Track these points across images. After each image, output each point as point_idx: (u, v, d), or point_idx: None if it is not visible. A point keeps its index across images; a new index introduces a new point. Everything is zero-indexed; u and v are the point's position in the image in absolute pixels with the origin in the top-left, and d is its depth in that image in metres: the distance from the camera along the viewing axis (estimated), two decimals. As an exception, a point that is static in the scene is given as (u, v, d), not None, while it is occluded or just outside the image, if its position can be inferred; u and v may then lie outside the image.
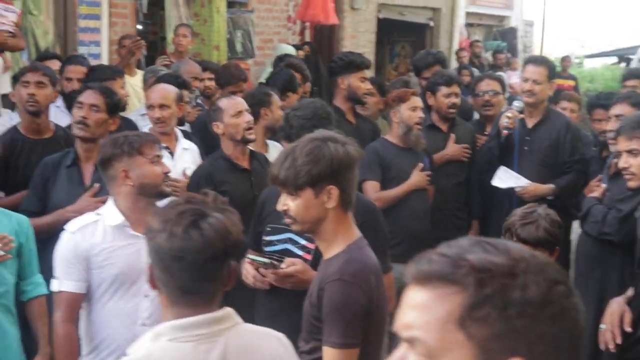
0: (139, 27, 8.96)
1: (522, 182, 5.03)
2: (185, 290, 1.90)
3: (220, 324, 1.93)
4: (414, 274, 1.15)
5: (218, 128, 4.21)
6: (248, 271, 3.19)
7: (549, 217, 3.13)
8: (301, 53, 9.05)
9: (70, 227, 3.06)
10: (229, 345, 1.93)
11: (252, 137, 4.22)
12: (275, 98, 4.88)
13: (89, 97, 4.02)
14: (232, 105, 4.25)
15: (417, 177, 4.84)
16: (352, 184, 2.64)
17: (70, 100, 5.38)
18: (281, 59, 6.79)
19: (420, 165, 4.87)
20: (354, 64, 5.35)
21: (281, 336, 2.14)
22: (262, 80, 8.51)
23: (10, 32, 6.56)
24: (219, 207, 1.94)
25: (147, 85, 5.66)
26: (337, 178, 2.57)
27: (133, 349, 1.91)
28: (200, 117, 5.52)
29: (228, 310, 1.96)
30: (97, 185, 3.89)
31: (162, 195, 3.10)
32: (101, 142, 3.16)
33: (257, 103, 4.68)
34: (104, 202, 3.76)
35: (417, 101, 4.91)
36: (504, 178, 5.06)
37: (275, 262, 3.14)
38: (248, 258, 3.19)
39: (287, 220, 2.66)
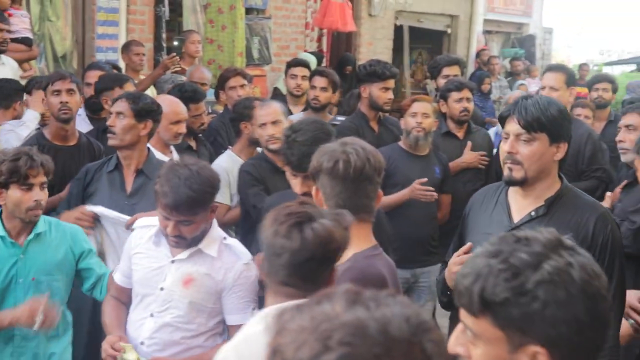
0: (175, 42, 8.95)
1: None
2: (283, 283, 2.08)
3: None
4: None
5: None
6: None
7: None
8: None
9: None
10: None
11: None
12: (258, 111, 4.61)
13: (116, 106, 3.99)
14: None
15: (411, 191, 4.69)
16: None
17: (90, 107, 5.41)
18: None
19: (422, 180, 4.71)
20: (376, 74, 5.35)
21: None
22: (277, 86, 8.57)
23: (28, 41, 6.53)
24: (332, 214, 2.07)
25: (164, 93, 5.65)
26: None
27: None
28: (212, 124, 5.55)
29: None
30: None
31: None
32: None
33: (238, 117, 4.83)
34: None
35: (418, 107, 4.89)
36: None
37: None
38: None
39: None
